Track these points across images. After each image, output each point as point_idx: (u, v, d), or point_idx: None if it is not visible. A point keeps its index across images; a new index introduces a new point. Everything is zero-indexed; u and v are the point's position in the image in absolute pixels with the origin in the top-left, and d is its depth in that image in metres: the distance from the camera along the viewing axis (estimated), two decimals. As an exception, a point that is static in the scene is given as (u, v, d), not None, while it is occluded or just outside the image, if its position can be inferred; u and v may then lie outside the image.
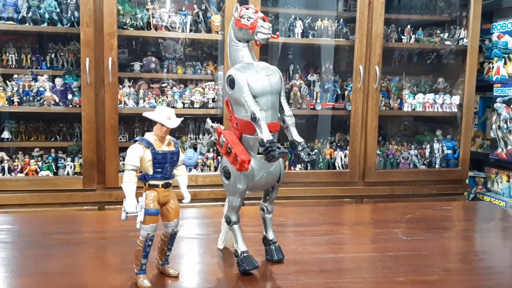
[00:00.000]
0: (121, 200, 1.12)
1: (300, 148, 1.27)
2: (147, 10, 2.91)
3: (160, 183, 1.16)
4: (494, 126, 3.22)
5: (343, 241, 1.60)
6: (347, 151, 3.10)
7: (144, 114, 1.19)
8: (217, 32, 2.95)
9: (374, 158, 3.07)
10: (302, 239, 1.58)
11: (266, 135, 1.17)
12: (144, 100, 2.94)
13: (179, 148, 1.21)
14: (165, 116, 1.15)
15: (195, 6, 3.03)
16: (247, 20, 1.24)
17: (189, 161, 2.93)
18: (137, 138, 1.16)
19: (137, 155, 1.13)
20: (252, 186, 1.29)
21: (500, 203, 3.20)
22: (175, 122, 1.15)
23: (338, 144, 3.26)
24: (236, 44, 1.28)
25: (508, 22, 3.15)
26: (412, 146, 3.31)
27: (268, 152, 1.16)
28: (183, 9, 3.01)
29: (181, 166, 1.23)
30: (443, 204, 2.13)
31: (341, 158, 3.10)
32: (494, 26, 3.26)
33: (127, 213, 1.10)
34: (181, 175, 1.23)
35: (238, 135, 1.29)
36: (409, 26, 3.21)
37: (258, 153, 1.26)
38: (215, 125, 1.38)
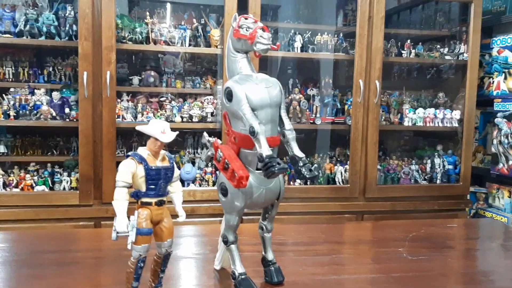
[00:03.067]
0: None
1: (301, 164, 1.21)
2: (146, 24, 2.89)
3: (153, 200, 1.10)
4: (495, 141, 3.19)
5: (345, 261, 1.55)
6: (347, 166, 3.06)
7: (138, 128, 1.14)
8: (216, 46, 2.93)
9: (375, 173, 3.03)
10: (303, 259, 1.53)
11: (265, 150, 1.12)
12: (143, 114, 2.91)
13: (174, 163, 1.16)
14: (159, 130, 1.09)
15: (194, 20, 3.02)
16: (246, 30, 1.20)
17: (187, 176, 2.89)
18: (129, 153, 1.11)
19: (129, 171, 1.07)
20: (250, 204, 1.24)
21: (502, 219, 3.15)
22: (170, 136, 1.10)
23: (338, 159, 3.22)
24: (234, 55, 1.24)
25: (508, 37, 3.14)
26: (413, 161, 3.28)
27: (267, 168, 1.11)
28: (183, 23, 3.00)
29: (176, 182, 1.18)
30: (445, 221, 2.09)
31: (341, 173, 3.06)
32: (494, 41, 3.24)
33: (117, 232, 1.05)
34: (176, 191, 1.17)
35: (236, 150, 1.24)
36: (409, 41, 3.19)
37: (257, 169, 1.21)
38: (212, 139, 1.34)
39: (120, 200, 1.06)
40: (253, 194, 1.22)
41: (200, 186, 2.90)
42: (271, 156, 1.12)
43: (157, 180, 1.09)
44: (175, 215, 1.16)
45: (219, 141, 1.32)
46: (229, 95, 1.19)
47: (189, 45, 2.96)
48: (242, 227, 1.54)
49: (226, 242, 1.27)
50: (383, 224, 2.20)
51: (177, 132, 1.17)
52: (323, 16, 3.39)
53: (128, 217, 1.06)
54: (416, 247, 1.66)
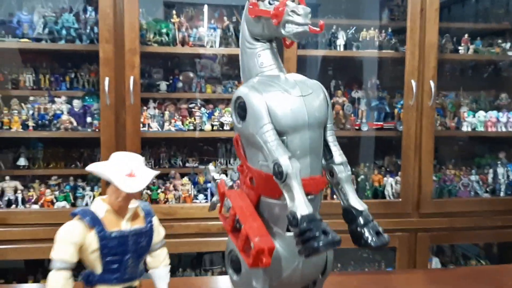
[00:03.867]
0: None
1: (361, 222, 0.83)
2: (173, 24, 2.65)
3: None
4: None
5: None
6: (398, 177, 2.72)
7: (89, 168, 0.75)
8: (250, 46, 2.65)
9: (430, 186, 2.67)
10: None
11: (300, 206, 0.71)
12: (170, 123, 2.67)
13: (154, 221, 0.77)
14: (123, 172, 0.70)
15: (225, 19, 2.76)
16: (269, 3, 0.82)
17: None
18: (76, 210, 0.73)
19: (71, 243, 0.70)
20: (278, 286, 0.83)
21: None
22: (141, 183, 0.70)
23: (388, 169, 2.88)
24: (252, 46, 0.85)
25: None
26: (473, 171, 2.90)
27: (304, 241, 0.69)
28: (212, 22, 2.74)
29: (160, 251, 0.79)
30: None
31: (392, 185, 2.72)
32: None
33: None
34: (158, 266, 0.78)
35: (254, 198, 0.84)
36: (466, 36, 2.83)
37: (288, 230, 0.81)
38: (219, 176, 0.96)
39: None
40: (282, 271, 0.81)
41: (233, 201, 2.63)
42: (311, 217, 0.71)
43: (122, 255, 0.70)
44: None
45: (229, 182, 0.93)
46: (241, 109, 0.81)
47: (220, 46, 2.70)
48: None
49: None
50: (459, 273, 1.75)
51: (157, 172, 0.81)
52: (366, 10, 3.07)
53: None
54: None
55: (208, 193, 2.63)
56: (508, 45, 2.86)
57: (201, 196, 2.60)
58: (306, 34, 0.81)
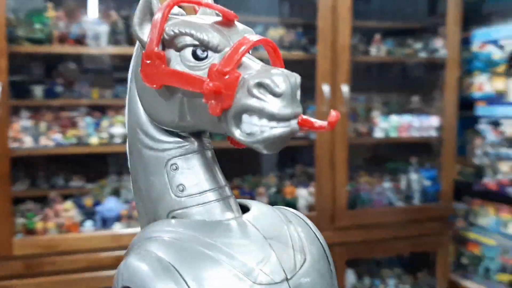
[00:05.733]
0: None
1: None
2: (49, 19, 2.21)
3: None
4: (479, 152, 2.74)
5: None
6: (311, 189, 2.51)
7: None
8: (143, 45, 2.28)
9: (345, 197, 2.49)
10: None
11: None
12: (48, 136, 2.23)
13: None
14: None
15: (113, 12, 2.36)
16: (195, 57, 0.48)
17: (109, 214, 2.24)
18: None
19: None
20: None
21: (489, 241, 2.71)
22: None
23: (299, 180, 2.66)
24: (154, 145, 0.50)
25: (492, 30, 2.69)
26: (386, 178, 2.76)
27: None
28: (98, 16, 2.34)
29: None
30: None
31: (305, 198, 2.50)
32: (474, 35, 2.79)
33: None
34: None
35: None
36: (378, 35, 2.68)
37: None
38: None
39: None
40: None
41: (128, 226, 2.25)
42: None
43: None
44: None
45: None
46: None
47: (108, 44, 2.31)
48: None
49: None
50: None
51: None
52: (262, 3, 2.78)
53: None
54: None
55: (98, 218, 2.23)
56: (419, 45, 2.75)
57: (88, 223, 2.20)
58: (288, 138, 0.48)
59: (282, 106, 0.41)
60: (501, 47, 2.63)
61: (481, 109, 2.69)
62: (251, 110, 0.42)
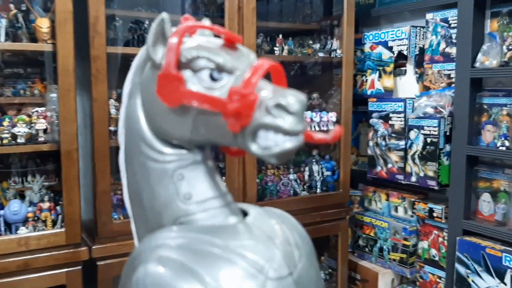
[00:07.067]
0: None
1: None
2: None
3: None
4: (371, 143, 3.02)
5: None
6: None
7: None
8: (46, 41, 2.19)
9: (254, 189, 2.62)
10: None
11: None
12: None
13: None
14: None
15: (11, 5, 2.24)
16: (212, 78, 0.49)
17: (14, 217, 2.14)
18: None
19: None
20: None
21: (382, 224, 3.01)
22: None
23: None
24: (159, 157, 0.50)
25: (382, 32, 2.97)
26: (291, 170, 2.94)
27: None
28: (-6, 9, 2.20)
29: None
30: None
31: (216, 192, 2.58)
32: (366, 36, 3.05)
33: None
34: None
35: None
36: (280, 36, 2.83)
37: None
38: None
39: None
40: None
41: (34, 229, 2.17)
42: None
43: None
44: None
45: None
46: None
47: (6, 39, 2.18)
48: None
49: None
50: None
51: None
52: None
53: None
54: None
55: (1, 221, 2.12)
56: (317, 45, 2.95)
57: (-10, 228, 2.09)
58: (296, 150, 0.48)
59: (295, 123, 0.48)
60: (389, 48, 2.91)
61: (372, 105, 2.96)
62: (268, 127, 0.47)
